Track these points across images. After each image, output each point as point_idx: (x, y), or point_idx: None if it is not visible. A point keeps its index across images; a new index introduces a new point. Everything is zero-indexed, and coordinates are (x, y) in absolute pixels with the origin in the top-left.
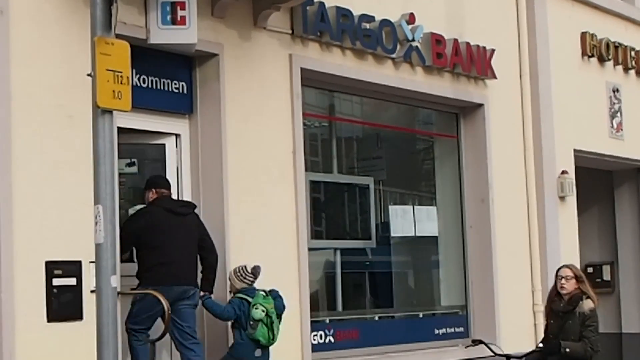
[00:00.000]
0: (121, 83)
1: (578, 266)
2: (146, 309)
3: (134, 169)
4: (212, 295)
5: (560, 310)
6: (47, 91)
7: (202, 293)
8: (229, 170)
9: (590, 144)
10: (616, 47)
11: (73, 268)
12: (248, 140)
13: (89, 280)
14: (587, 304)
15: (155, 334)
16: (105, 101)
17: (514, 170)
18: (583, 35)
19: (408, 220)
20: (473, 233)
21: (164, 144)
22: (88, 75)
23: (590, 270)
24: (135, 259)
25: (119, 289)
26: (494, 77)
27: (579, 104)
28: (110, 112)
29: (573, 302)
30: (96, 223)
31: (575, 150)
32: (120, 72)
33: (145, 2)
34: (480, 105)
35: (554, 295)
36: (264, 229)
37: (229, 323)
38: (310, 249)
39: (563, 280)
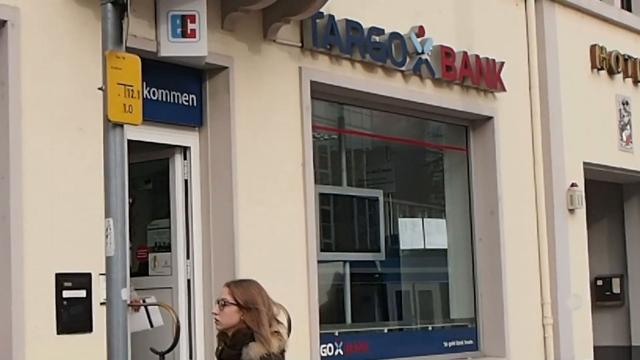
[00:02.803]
0: (132, 97)
1: (587, 279)
2: None
3: (150, 186)
4: None
5: (221, 358)
6: (58, 104)
7: None
8: (239, 182)
9: (599, 156)
10: (626, 60)
11: (83, 280)
12: (258, 153)
13: (98, 292)
14: (253, 350)
15: (164, 346)
16: (116, 115)
17: (524, 182)
18: (592, 47)
19: (417, 233)
20: (482, 246)
21: (173, 157)
22: (99, 89)
23: (599, 282)
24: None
25: (129, 302)
26: (504, 89)
27: (588, 116)
28: (121, 125)
29: (236, 345)
30: (107, 236)
31: (584, 163)
32: (131, 85)
33: (155, 15)
34: (490, 117)
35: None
36: (274, 241)
37: None
38: (319, 261)
39: (216, 308)
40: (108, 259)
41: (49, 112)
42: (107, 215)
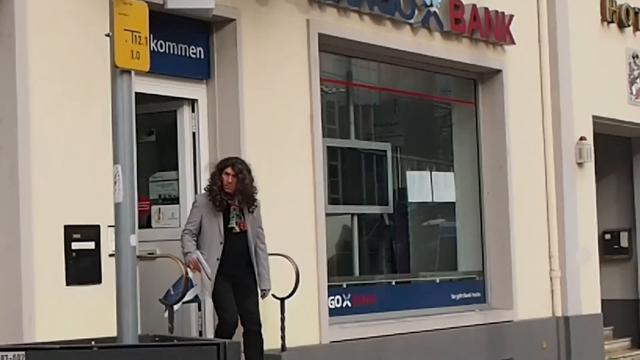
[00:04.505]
0: (139, 43)
1: (595, 233)
2: None
3: (152, 138)
4: None
5: None
6: (65, 57)
7: None
8: (247, 135)
9: (608, 110)
10: (636, 13)
11: (91, 232)
12: (265, 106)
13: (107, 244)
14: None
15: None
16: (123, 61)
17: (532, 136)
18: (602, 0)
19: (425, 187)
20: (490, 199)
21: (181, 110)
22: (106, 35)
23: (607, 236)
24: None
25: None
26: (513, 42)
27: (597, 70)
28: (128, 72)
29: None
30: (115, 183)
31: (593, 117)
32: (139, 32)
33: None
34: (499, 71)
35: None
36: (282, 194)
37: None
38: (327, 215)
39: None
40: (117, 206)
41: (56, 65)
42: (115, 162)
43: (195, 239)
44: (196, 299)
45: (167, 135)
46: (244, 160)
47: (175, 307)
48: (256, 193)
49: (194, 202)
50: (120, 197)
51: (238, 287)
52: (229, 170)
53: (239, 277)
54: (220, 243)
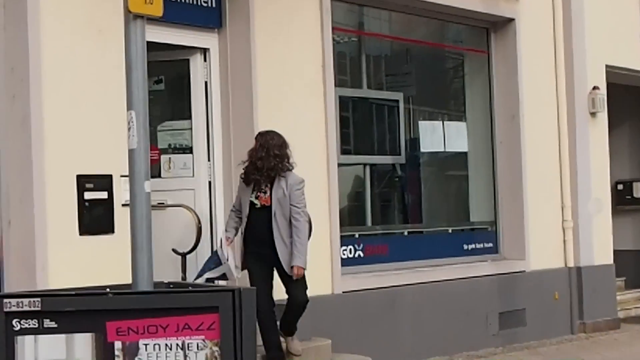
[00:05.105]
0: None
1: (608, 183)
2: None
3: (161, 86)
4: None
5: None
6: (76, 6)
7: None
8: (259, 84)
9: (622, 59)
10: None
11: (104, 182)
12: (277, 55)
13: (120, 194)
14: None
15: (186, 248)
16: (136, 6)
17: (545, 86)
18: None
19: (438, 136)
20: (503, 149)
21: (194, 59)
22: None
23: (620, 187)
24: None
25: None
26: None
27: (611, 19)
28: (142, 17)
29: None
30: (129, 129)
31: (607, 66)
32: None
33: None
34: (511, 20)
35: None
36: (294, 144)
37: None
38: (339, 165)
39: None
40: (131, 152)
41: (67, 12)
42: (129, 108)
43: (239, 215)
44: (224, 277)
45: (176, 84)
46: (275, 135)
47: (200, 279)
48: (282, 169)
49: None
50: (134, 143)
51: (270, 267)
52: (255, 142)
53: (264, 255)
54: (245, 217)
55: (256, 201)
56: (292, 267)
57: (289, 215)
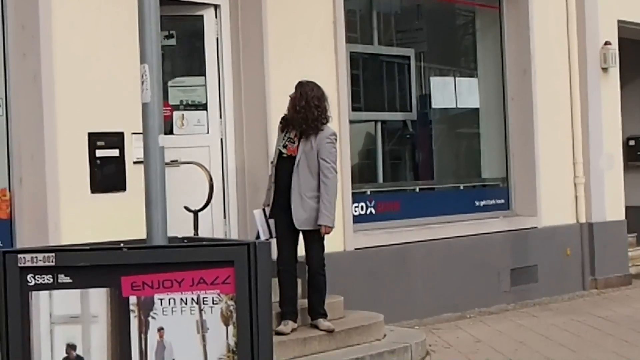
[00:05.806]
0: None
1: (620, 139)
2: None
3: (173, 42)
4: None
5: None
6: None
7: None
8: (269, 41)
9: (634, 14)
10: None
11: (116, 139)
12: (288, 11)
13: (131, 151)
14: None
15: (198, 205)
16: None
17: (556, 41)
18: None
19: (449, 92)
20: (514, 105)
21: (202, 15)
22: None
23: (632, 142)
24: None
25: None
26: None
27: None
28: None
29: None
30: (142, 82)
31: (619, 21)
32: None
33: None
34: None
35: None
36: None
37: None
38: (350, 122)
39: None
40: (144, 106)
41: None
42: (142, 61)
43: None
44: (258, 235)
45: (187, 40)
46: (315, 86)
47: None
48: (315, 121)
49: None
50: (148, 97)
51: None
52: (295, 90)
53: (286, 208)
54: (273, 166)
55: (284, 150)
56: (319, 226)
57: (316, 170)
